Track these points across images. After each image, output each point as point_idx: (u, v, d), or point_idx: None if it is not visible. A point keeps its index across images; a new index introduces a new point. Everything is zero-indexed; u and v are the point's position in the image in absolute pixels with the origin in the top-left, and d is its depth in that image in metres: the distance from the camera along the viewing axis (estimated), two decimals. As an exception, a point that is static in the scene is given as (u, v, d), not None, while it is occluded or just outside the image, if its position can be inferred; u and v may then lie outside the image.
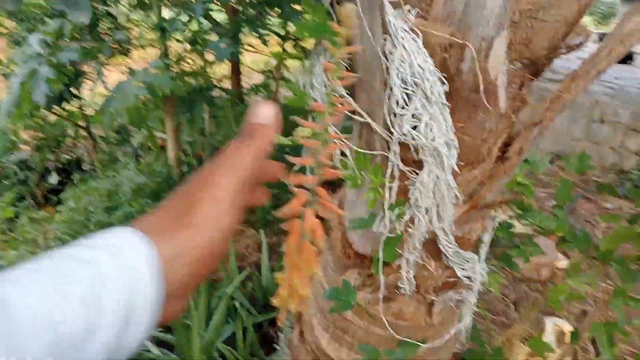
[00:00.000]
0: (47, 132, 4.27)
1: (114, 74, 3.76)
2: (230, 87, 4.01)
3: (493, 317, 2.50)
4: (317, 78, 1.11)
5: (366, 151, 1.13)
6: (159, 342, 2.17)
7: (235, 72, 4.07)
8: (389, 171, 1.11)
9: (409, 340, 1.20)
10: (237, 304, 2.05)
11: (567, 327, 2.04)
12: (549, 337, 2.05)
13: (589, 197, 4.06)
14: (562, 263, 2.80)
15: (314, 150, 0.57)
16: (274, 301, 0.55)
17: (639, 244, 1.22)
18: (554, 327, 2.06)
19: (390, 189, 1.14)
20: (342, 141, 1.13)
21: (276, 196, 2.56)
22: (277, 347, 2.15)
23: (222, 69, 4.63)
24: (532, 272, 2.76)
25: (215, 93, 3.12)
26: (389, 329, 1.34)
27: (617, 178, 4.49)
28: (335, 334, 1.43)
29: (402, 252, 1.22)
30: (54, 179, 4.25)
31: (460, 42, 0.93)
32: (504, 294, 2.71)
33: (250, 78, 5.22)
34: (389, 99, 0.98)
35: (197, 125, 3.47)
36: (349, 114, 1.04)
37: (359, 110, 1.04)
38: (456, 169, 1.06)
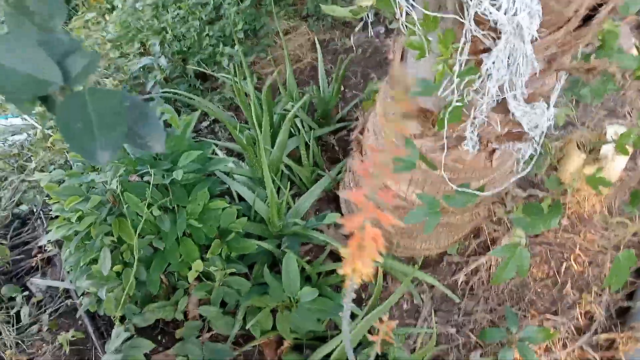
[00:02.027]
0: None
1: None
2: None
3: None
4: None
5: (436, 13, 1.02)
6: (229, 152, 2.36)
7: None
8: (462, 38, 1.02)
9: (466, 189, 1.25)
10: (297, 121, 2.12)
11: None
12: (608, 143, 2.05)
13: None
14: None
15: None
16: (340, 271, 0.63)
17: None
18: (614, 132, 2.04)
19: (461, 54, 1.06)
20: None
21: None
22: (340, 157, 2.29)
23: None
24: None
25: None
26: (448, 173, 1.40)
27: None
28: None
29: (468, 114, 1.19)
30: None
31: None
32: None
33: None
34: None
35: None
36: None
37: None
38: (537, 35, 0.95)
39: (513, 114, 1.20)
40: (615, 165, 1.99)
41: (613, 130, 2.07)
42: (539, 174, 2.19)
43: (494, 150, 1.35)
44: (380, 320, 1.10)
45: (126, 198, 1.52)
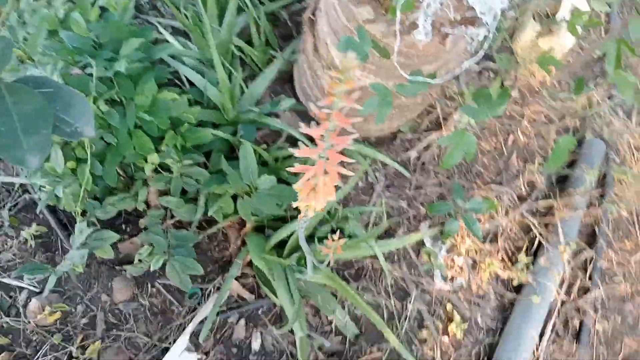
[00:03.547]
0: None
1: None
2: None
3: None
4: None
5: None
6: (175, 30, 2.22)
7: None
8: None
9: (419, 78, 1.25)
10: (246, -3, 1.99)
11: (583, 5, 1.99)
12: (563, 13, 2.03)
13: None
14: None
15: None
16: (295, 204, 0.66)
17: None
18: (570, 4, 2.01)
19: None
20: None
21: None
22: (293, 34, 2.20)
23: None
24: None
25: None
26: (401, 58, 1.38)
27: None
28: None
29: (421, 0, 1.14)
30: None
31: None
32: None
33: None
34: None
35: None
36: None
37: None
38: None
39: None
40: (566, 40, 2.00)
41: (570, 2, 2.04)
42: (493, 47, 2.18)
43: (447, 35, 1.32)
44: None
45: (69, 93, 1.46)
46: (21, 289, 1.66)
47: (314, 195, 0.66)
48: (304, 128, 0.66)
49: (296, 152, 0.66)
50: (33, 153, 0.39)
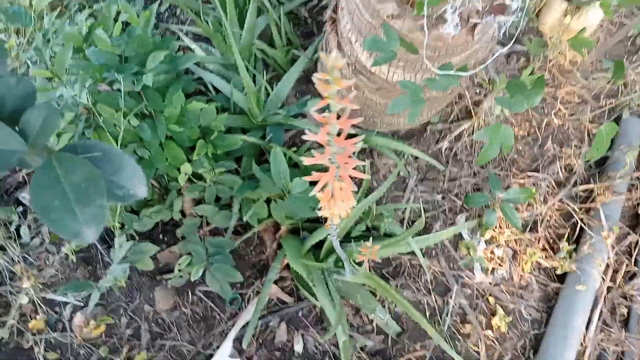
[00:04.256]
0: None
1: None
2: None
3: None
4: None
5: None
6: (196, 36, 2.22)
7: None
8: None
9: (449, 72, 1.22)
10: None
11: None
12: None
13: None
14: None
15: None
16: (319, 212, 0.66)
17: None
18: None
19: None
20: None
21: None
22: (314, 32, 2.17)
23: None
24: None
25: None
26: (429, 51, 1.35)
27: None
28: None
29: (448, -6, 1.11)
30: None
31: None
32: None
33: None
34: None
35: None
36: None
37: None
38: None
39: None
40: (594, 16, 1.93)
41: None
42: (520, 29, 2.12)
43: (475, 25, 1.29)
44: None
45: (100, 110, 1.47)
46: (65, 304, 1.70)
47: (334, 202, 0.64)
48: (308, 135, 0.64)
49: (308, 156, 0.65)
50: (89, 225, 0.38)
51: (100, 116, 1.48)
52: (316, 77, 0.55)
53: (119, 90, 1.50)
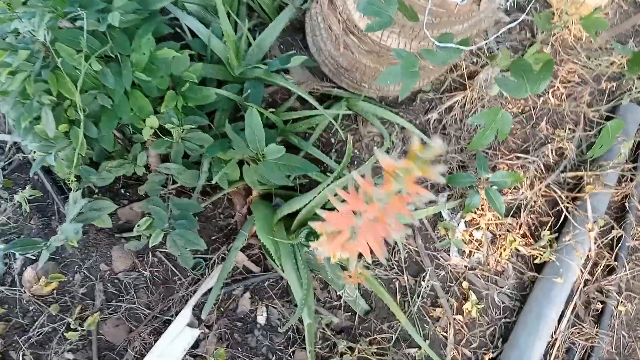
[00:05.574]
0: None
1: None
2: None
3: None
4: None
5: None
6: None
7: None
8: None
9: (449, 44, 1.09)
10: None
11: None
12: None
13: None
14: None
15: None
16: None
17: None
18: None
19: None
20: None
21: None
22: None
23: None
24: None
25: None
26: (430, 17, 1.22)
27: None
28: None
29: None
30: None
31: None
32: None
33: None
34: None
35: None
36: None
37: None
38: None
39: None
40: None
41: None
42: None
43: (483, -7, 1.15)
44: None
45: (58, 49, 1.31)
46: (15, 256, 1.58)
47: (342, 249, 0.53)
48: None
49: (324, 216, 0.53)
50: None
51: (59, 56, 1.32)
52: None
53: (81, 28, 1.33)
